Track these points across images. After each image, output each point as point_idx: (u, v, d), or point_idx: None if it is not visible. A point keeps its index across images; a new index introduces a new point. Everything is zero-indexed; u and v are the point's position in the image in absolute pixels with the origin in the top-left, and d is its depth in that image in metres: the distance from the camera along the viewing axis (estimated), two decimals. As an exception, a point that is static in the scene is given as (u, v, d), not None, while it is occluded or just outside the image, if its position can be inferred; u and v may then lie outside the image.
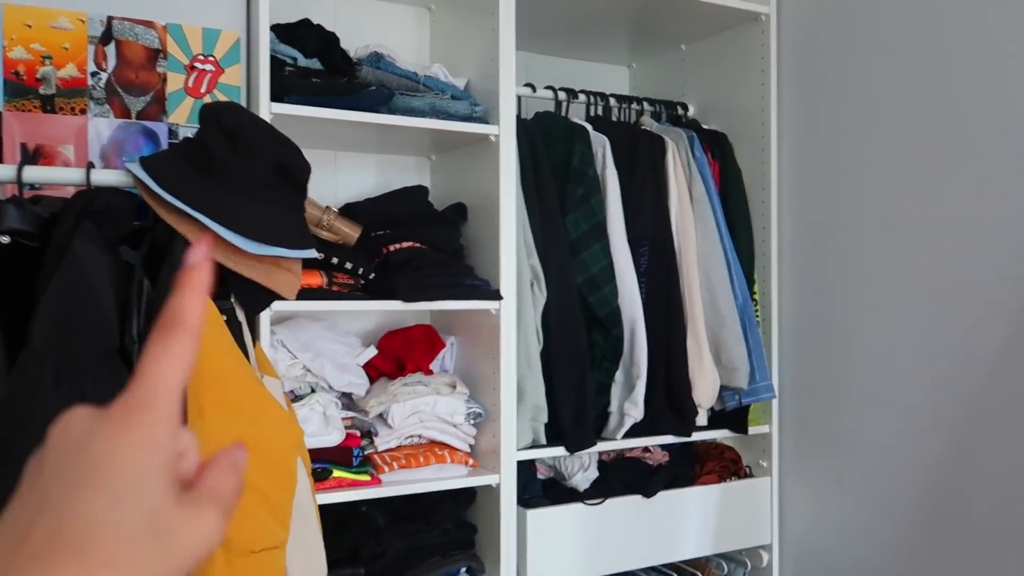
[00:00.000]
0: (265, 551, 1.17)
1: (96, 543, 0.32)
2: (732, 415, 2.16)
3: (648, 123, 2.29)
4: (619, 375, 2.03)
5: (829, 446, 2.13)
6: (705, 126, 2.36)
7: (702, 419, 2.11)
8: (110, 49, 1.80)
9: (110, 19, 1.80)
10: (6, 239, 1.21)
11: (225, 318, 1.28)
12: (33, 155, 1.72)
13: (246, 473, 1.19)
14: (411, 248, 1.91)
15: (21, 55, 1.72)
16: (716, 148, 2.27)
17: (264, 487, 1.17)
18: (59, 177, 1.38)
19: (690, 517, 2.12)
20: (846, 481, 2.08)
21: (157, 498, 0.34)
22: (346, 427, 1.81)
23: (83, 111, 1.77)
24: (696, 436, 2.11)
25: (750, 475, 2.28)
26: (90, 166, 1.36)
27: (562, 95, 2.20)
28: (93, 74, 1.79)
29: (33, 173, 1.35)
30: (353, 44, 1.97)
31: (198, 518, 0.36)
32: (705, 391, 2.07)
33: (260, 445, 1.18)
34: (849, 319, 2.07)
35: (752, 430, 2.19)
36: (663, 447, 2.20)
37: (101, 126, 1.79)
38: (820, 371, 2.15)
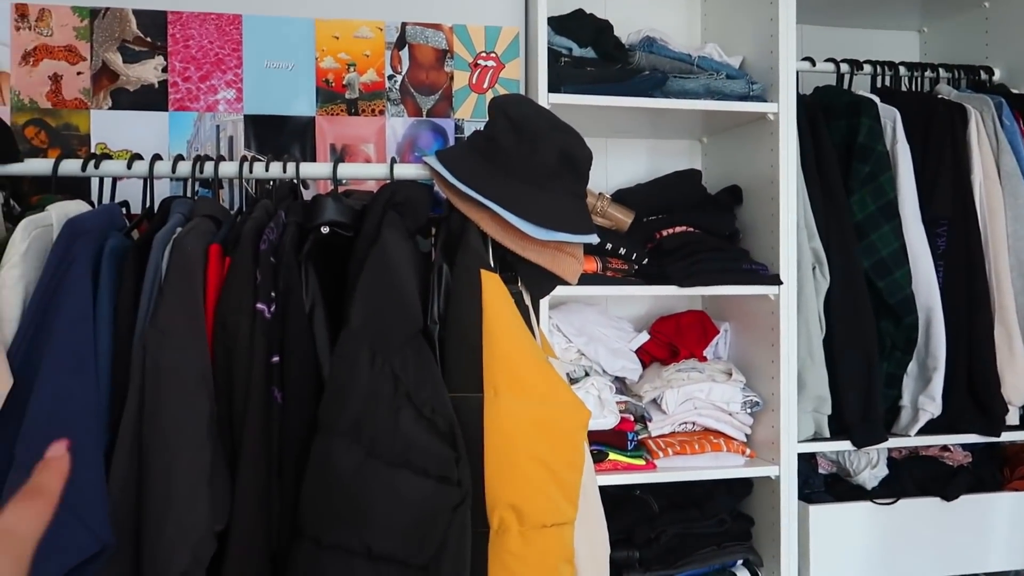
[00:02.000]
0: (555, 526, 1.21)
1: None
2: (1050, 415, 1.92)
3: (945, 91, 2.09)
4: (912, 366, 1.88)
5: None
6: (1015, 91, 2.10)
7: (1013, 417, 1.89)
8: (404, 53, 1.95)
9: (404, 25, 1.95)
10: (326, 229, 1.34)
11: (513, 301, 1.34)
12: (341, 154, 1.91)
13: (539, 450, 1.22)
14: (684, 233, 1.89)
15: (330, 64, 1.91)
16: (1030, 115, 2.02)
17: (555, 465, 1.21)
18: (368, 172, 1.52)
19: (997, 525, 1.91)
20: None
21: None
22: (620, 411, 1.83)
23: (381, 112, 1.94)
24: (1006, 436, 1.90)
25: (1072, 483, 2.01)
26: (393, 161, 1.48)
27: (845, 67, 2.06)
28: (389, 77, 1.95)
29: (345, 170, 1.50)
30: (625, 30, 1.98)
31: None
32: (1016, 387, 1.86)
33: (551, 425, 1.22)
34: None
35: (1075, 433, 1.93)
36: (964, 447, 2.00)
37: (397, 125, 1.95)
38: None
